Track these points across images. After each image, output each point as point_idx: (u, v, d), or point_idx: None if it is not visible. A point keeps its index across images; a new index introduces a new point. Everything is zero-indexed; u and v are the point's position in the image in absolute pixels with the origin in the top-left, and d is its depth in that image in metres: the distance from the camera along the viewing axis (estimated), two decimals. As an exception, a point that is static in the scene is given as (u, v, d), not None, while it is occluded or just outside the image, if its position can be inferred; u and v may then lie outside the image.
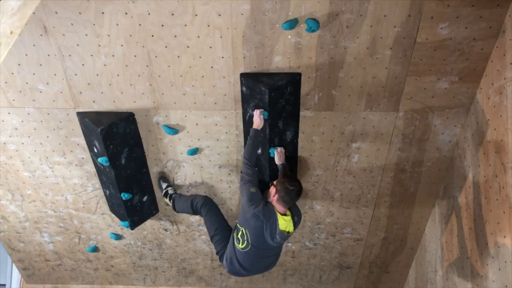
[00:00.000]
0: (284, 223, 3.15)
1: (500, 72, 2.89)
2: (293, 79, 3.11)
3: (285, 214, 3.18)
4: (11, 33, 2.20)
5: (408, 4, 2.77)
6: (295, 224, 3.24)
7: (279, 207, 3.16)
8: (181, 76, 3.19)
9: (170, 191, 3.84)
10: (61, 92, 3.30)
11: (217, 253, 3.54)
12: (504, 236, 2.90)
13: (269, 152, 3.40)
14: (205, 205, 3.64)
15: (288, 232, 3.20)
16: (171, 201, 3.81)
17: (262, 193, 3.23)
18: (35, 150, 3.70)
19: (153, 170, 3.83)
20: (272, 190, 3.17)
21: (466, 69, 3.06)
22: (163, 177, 3.87)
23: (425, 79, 3.13)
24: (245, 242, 3.22)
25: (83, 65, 3.14)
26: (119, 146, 3.41)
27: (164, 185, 3.85)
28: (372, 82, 3.16)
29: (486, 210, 3.13)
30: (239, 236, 3.26)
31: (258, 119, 3.15)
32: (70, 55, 3.09)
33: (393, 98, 3.25)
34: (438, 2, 2.75)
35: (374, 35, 2.91)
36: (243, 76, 3.14)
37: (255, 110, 3.17)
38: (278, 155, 3.39)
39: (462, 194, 3.48)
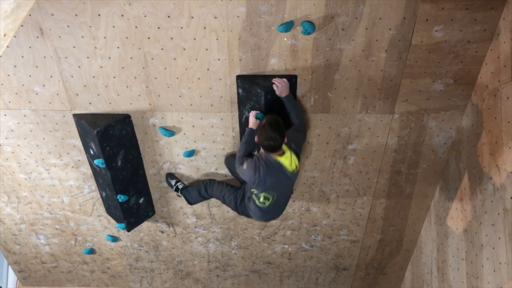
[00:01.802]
0: (287, 161, 3.07)
1: (495, 75, 2.90)
2: (289, 81, 3.11)
3: (283, 152, 3.08)
4: (4, 35, 2.20)
5: (403, 7, 2.78)
6: (295, 151, 3.12)
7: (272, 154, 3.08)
8: (177, 78, 3.19)
9: (180, 186, 3.87)
10: (57, 94, 3.30)
11: (238, 213, 3.58)
12: (499, 238, 2.91)
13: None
14: (207, 188, 3.72)
15: (296, 167, 3.12)
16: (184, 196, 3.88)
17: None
18: (31, 152, 3.70)
19: (150, 172, 3.83)
20: (256, 139, 3.07)
21: (461, 72, 3.08)
22: (169, 174, 3.88)
23: (420, 81, 3.15)
24: (270, 198, 3.22)
25: (79, 67, 3.14)
26: (115, 148, 3.41)
27: (173, 182, 3.87)
28: (368, 84, 3.18)
29: (481, 212, 3.15)
30: (261, 200, 3.24)
31: (253, 119, 3.17)
32: (66, 57, 3.09)
33: (389, 100, 3.27)
34: (432, 5, 2.77)
35: (369, 37, 2.93)
36: (239, 78, 3.15)
37: (251, 111, 3.18)
38: (280, 88, 3.06)
39: (457, 196, 3.50)
